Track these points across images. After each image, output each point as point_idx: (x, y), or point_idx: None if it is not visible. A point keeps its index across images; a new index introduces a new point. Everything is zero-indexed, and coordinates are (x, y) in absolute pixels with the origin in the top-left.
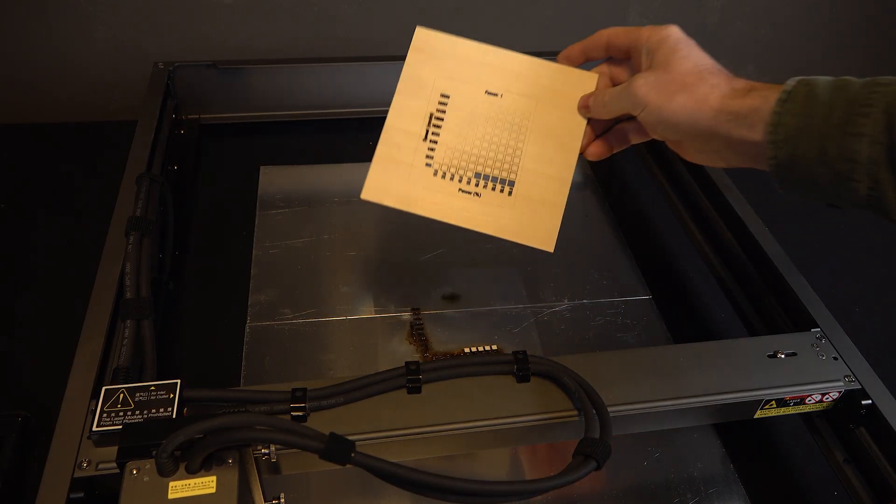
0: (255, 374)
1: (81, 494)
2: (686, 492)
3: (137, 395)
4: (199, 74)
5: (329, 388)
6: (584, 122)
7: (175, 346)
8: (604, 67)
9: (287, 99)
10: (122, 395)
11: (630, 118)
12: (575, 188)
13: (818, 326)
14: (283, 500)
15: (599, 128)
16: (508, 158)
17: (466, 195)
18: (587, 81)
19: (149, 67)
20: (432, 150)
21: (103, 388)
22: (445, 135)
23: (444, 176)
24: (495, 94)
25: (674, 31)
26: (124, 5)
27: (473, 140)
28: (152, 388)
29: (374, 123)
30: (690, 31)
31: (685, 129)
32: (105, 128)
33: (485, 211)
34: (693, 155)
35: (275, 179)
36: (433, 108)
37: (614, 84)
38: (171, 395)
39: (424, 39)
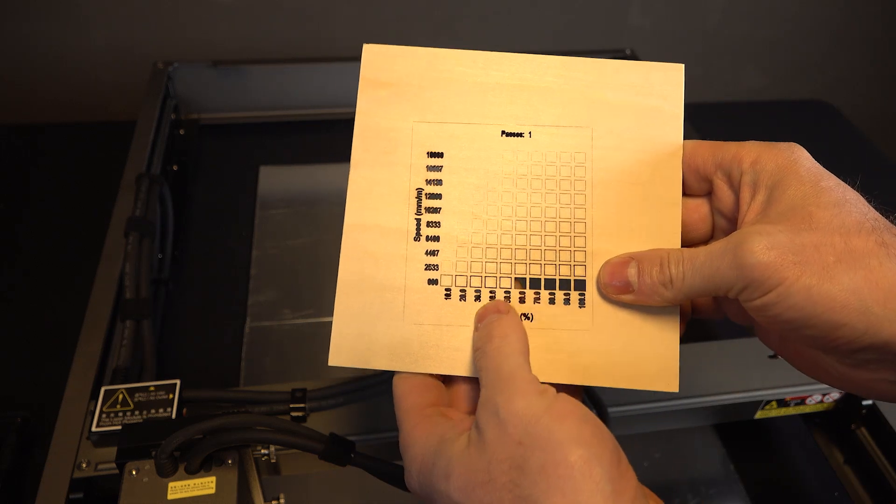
0: (254, 374)
1: (81, 495)
2: (687, 492)
3: (137, 395)
4: (198, 74)
5: (329, 389)
6: (680, 149)
7: (175, 346)
8: None
9: (287, 99)
10: (121, 396)
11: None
12: None
13: None
14: (282, 500)
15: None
16: (566, 241)
17: None
18: (669, 76)
19: (148, 67)
20: (433, 253)
21: (103, 389)
22: (450, 222)
23: (463, 296)
24: (518, 134)
25: (802, 154)
26: (124, 5)
27: (499, 221)
28: (152, 388)
29: None
30: (691, 32)
31: (844, 336)
32: (105, 128)
33: (546, 343)
34: (809, 365)
35: (275, 179)
36: (420, 179)
37: (685, 242)
38: (171, 396)
39: (381, 61)
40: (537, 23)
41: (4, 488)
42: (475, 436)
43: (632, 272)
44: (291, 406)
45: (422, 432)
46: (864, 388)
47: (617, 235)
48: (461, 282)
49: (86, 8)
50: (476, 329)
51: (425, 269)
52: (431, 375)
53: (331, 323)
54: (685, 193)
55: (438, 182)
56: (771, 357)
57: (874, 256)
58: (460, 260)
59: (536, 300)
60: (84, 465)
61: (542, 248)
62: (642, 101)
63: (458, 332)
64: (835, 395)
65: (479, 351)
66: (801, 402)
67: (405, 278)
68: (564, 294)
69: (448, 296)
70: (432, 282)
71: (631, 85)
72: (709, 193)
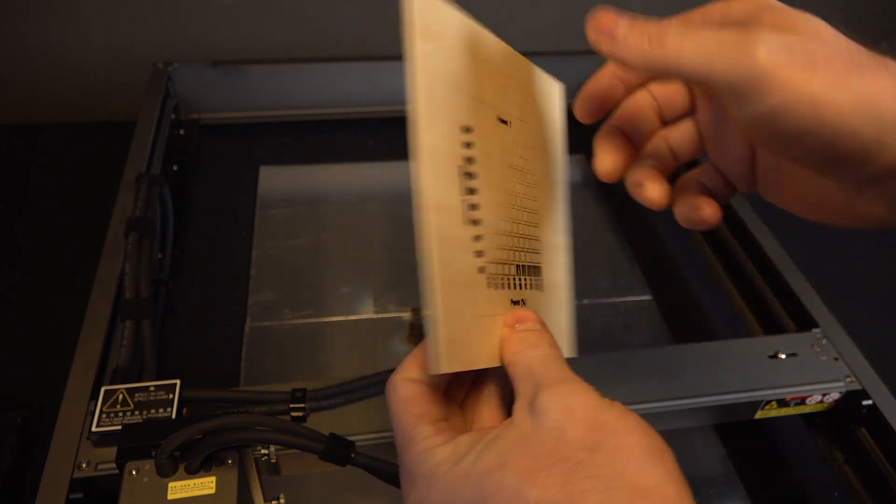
0: (254, 374)
1: (81, 495)
2: None
3: (137, 395)
4: (198, 74)
5: (329, 389)
6: (561, 159)
7: (175, 346)
8: (649, 90)
9: (287, 99)
10: (121, 396)
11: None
12: (575, 189)
13: (819, 326)
14: (282, 500)
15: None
16: (533, 231)
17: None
18: (555, 92)
19: (148, 67)
20: (478, 238)
21: (102, 389)
22: (485, 205)
23: (494, 285)
24: (506, 122)
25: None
26: (124, 5)
27: (508, 208)
28: (151, 388)
29: (375, 124)
30: None
31: (850, 146)
32: (105, 128)
33: None
34: (806, 201)
35: (275, 179)
36: (460, 154)
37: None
38: (171, 396)
39: (434, 17)
40: (537, 23)
41: (4, 488)
42: (531, 423)
43: (623, 24)
44: (291, 406)
45: (444, 437)
46: (864, 215)
47: (540, 215)
48: (493, 269)
49: (86, 8)
50: (512, 327)
51: (475, 256)
52: (437, 392)
53: (331, 322)
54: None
55: (471, 160)
56: (771, 357)
57: (878, 69)
58: (495, 247)
59: (527, 286)
60: (84, 465)
61: (526, 236)
62: (551, 112)
63: (494, 325)
64: (835, 395)
65: (525, 352)
66: (801, 402)
67: (467, 266)
68: (534, 278)
69: (489, 285)
70: (481, 270)
71: (547, 96)
72: None
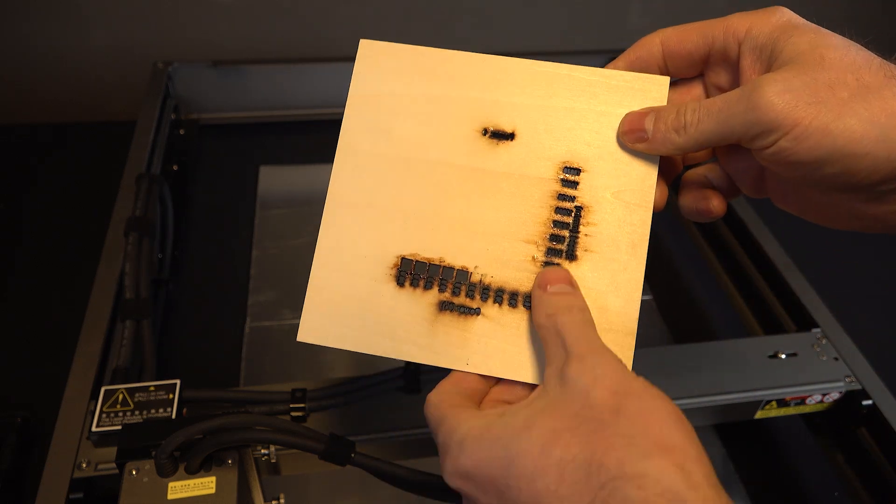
0: (254, 374)
1: (81, 495)
2: None
3: (137, 395)
4: (198, 74)
5: (329, 389)
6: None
7: (175, 346)
8: None
9: (287, 99)
10: (121, 396)
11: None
12: None
13: (819, 326)
14: (282, 500)
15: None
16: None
17: None
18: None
19: (148, 67)
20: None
21: (103, 389)
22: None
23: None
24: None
25: (792, 13)
26: (124, 5)
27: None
28: (152, 388)
29: None
30: None
31: (866, 167)
32: (105, 128)
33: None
34: (823, 211)
35: (275, 179)
36: None
37: None
38: (171, 396)
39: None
40: (537, 23)
41: (4, 488)
42: (558, 389)
43: (648, 120)
44: (291, 406)
45: (474, 412)
46: (884, 221)
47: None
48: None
49: (86, 8)
50: (543, 288)
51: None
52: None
53: None
54: (678, 79)
55: None
56: (771, 357)
57: (886, 88)
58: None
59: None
60: (84, 465)
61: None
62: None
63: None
64: (835, 395)
65: (556, 317)
66: (802, 402)
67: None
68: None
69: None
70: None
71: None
72: (700, 74)
